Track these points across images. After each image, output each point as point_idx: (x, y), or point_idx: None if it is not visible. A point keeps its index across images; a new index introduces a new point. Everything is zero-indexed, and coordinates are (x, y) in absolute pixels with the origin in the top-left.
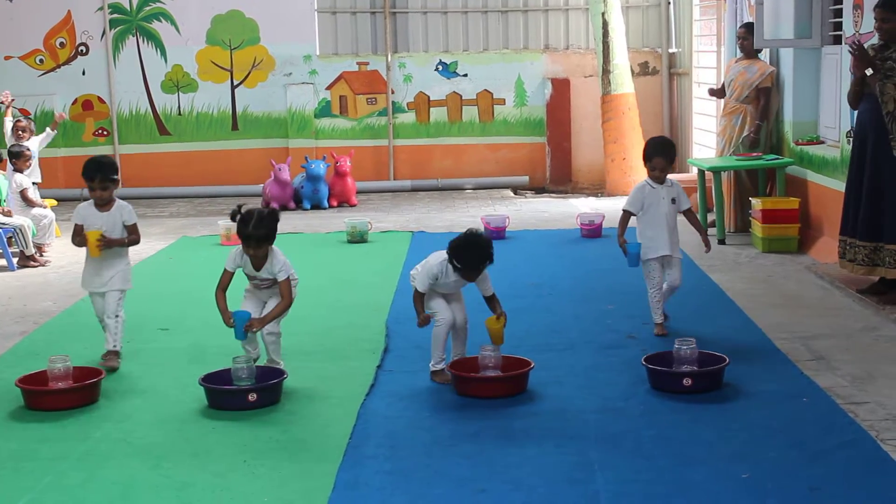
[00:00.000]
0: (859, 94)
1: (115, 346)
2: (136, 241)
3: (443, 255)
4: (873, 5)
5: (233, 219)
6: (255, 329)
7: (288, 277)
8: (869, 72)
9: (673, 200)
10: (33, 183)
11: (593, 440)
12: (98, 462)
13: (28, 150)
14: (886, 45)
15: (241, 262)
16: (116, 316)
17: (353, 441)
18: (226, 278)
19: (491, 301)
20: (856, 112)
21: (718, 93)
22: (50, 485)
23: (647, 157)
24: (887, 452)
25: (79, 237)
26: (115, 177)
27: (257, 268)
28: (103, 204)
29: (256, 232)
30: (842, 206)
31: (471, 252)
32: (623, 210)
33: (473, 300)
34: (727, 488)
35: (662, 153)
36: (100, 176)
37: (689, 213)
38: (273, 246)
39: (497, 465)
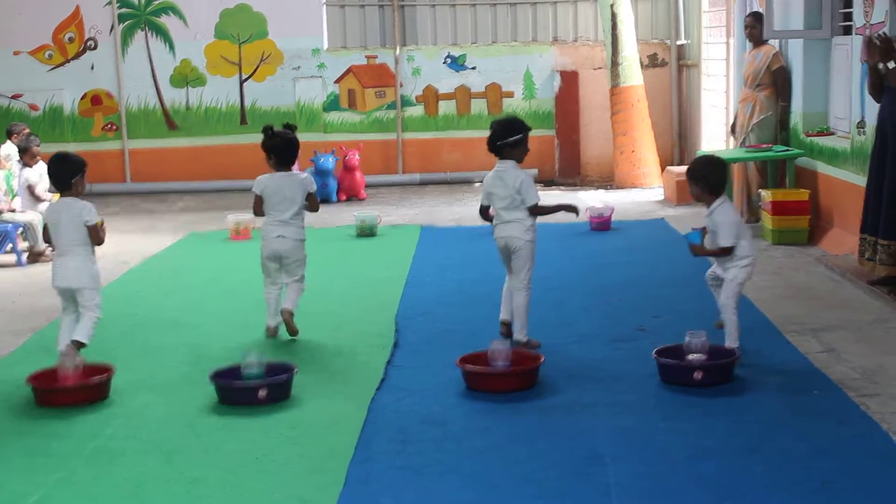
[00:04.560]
0: (878, 86)
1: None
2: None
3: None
4: None
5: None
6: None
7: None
8: (892, 64)
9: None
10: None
11: (604, 433)
12: (109, 458)
13: (37, 144)
14: None
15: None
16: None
17: (363, 437)
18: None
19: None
20: (868, 105)
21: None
22: (61, 481)
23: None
24: None
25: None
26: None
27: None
28: None
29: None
30: (856, 200)
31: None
32: None
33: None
34: (739, 481)
35: (692, 178)
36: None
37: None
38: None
39: (508, 460)
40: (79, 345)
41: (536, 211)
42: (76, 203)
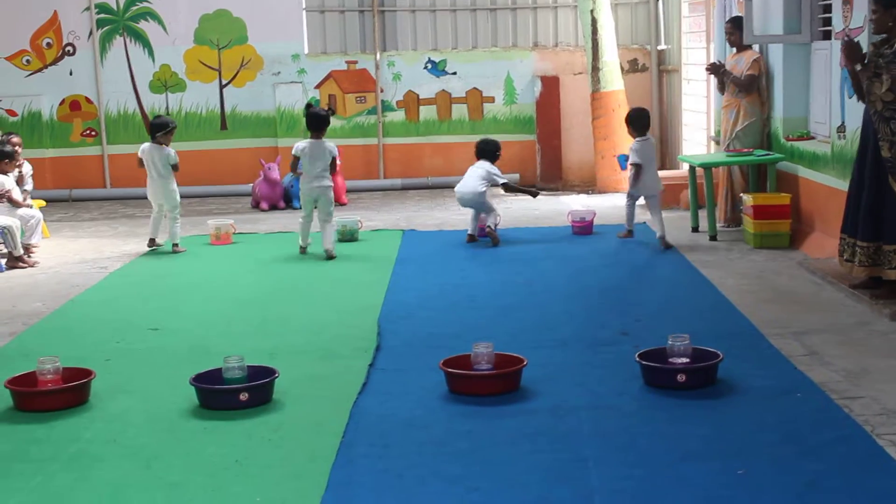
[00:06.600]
0: (861, 88)
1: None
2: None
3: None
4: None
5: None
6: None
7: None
8: (858, 67)
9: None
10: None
11: (587, 437)
12: (88, 463)
13: (17, 150)
14: (885, 41)
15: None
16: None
17: (345, 440)
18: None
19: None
20: (848, 109)
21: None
22: (40, 486)
23: None
24: (882, 447)
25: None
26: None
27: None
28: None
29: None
30: (837, 204)
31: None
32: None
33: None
34: (723, 484)
35: (626, 121)
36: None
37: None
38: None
39: (490, 464)
40: (176, 246)
41: (508, 189)
42: (161, 149)
